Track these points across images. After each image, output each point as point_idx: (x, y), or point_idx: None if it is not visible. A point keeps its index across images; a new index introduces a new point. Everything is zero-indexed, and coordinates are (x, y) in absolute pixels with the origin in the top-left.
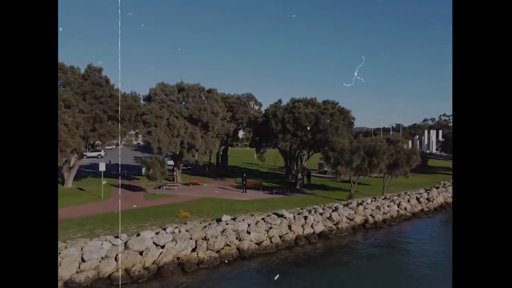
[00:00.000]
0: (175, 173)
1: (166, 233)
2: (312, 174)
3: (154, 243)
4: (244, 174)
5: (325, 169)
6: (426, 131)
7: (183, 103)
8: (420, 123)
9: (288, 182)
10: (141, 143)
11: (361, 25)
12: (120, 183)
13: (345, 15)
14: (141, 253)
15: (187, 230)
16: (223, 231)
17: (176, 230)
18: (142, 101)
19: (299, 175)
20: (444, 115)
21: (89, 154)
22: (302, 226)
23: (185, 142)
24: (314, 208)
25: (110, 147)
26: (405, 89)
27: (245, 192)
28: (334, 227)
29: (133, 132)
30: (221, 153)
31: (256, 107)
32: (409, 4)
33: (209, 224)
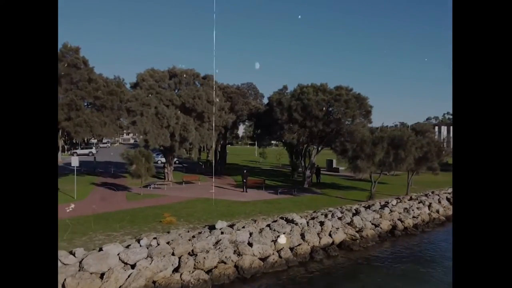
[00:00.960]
0: (166, 170)
1: (140, 246)
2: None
3: (121, 260)
4: (245, 171)
5: (336, 166)
6: (437, 128)
7: (176, 91)
8: (423, 122)
9: (294, 180)
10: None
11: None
12: (103, 181)
13: (351, 16)
14: (101, 275)
15: (168, 242)
16: (216, 242)
17: (154, 242)
18: (129, 89)
19: (307, 172)
20: (448, 113)
21: (79, 151)
22: (318, 234)
23: (177, 135)
24: (330, 211)
25: (105, 145)
26: (406, 88)
27: (246, 191)
28: (357, 235)
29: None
30: (219, 149)
31: (258, 100)
32: (415, 5)
33: (199, 233)
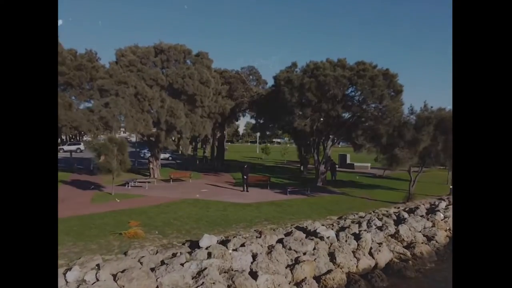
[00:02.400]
0: (151, 166)
1: (66, 284)
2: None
3: None
4: (245, 166)
5: (350, 161)
6: None
7: (162, 70)
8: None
9: (304, 178)
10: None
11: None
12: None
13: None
14: None
15: (116, 275)
16: (199, 273)
17: (91, 276)
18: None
19: (322, 168)
20: None
21: (66, 147)
22: (354, 253)
23: (162, 121)
24: (362, 217)
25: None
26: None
27: (247, 190)
28: (408, 253)
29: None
30: (216, 144)
31: (260, 86)
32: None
33: (173, 256)
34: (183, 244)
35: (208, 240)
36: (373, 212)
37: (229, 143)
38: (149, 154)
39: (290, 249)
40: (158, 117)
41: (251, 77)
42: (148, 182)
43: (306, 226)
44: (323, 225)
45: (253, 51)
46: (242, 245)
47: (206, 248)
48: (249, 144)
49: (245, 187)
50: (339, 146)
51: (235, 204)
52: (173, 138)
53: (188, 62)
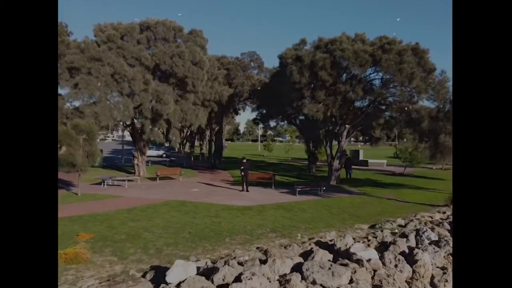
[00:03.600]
0: (136, 161)
1: None
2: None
3: None
4: (244, 160)
5: (362, 158)
6: None
7: (148, 49)
8: None
9: (313, 175)
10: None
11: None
12: None
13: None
14: None
15: None
16: None
17: None
18: None
19: (336, 164)
20: None
21: None
22: (409, 285)
23: (146, 107)
24: (401, 226)
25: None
26: None
27: (247, 190)
28: None
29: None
30: (213, 139)
31: (262, 74)
32: None
33: None
34: (144, 275)
35: (181, 270)
36: (415, 218)
37: (229, 142)
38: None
39: (314, 282)
40: (141, 103)
41: (252, 64)
42: (129, 180)
43: (333, 242)
44: (356, 239)
45: (255, 35)
46: (238, 278)
47: (178, 286)
48: (250, 142)
49: (244, 186)
50: (375, 127)
51: (231, 208)
52: (161, 130)
53: (178, 41)
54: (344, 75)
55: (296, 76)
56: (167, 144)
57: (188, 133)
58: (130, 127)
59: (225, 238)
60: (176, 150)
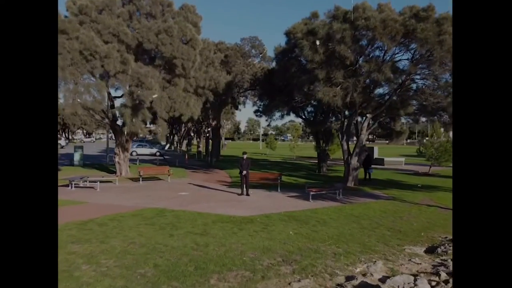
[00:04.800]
0: (117, 159)
1: None
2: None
3: None
4: (244, 157)
5: (377, 156)
6: None
7: (130, 27)
8: None
9: (325, 175)
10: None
11: None
12: None
13: None
14: None
15: None
16: None
17: None
18: None
19: (354, 162)
20: None
21: None
22: None
23: (125, 93)
24: None
25: (90, 139)
26: None
27: (247, 194)
28: None
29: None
30: (210, 135)
31: (264, 62)
32: None
33: None
34: None
35: None
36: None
37: (230, 141)
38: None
39: None
40: (118, 87)
41: (253, 50)
42: (105, 181)
43: (388, 284)
44: (417, 275)
45: (256, 17)
46: None
47: None
48: (251, 141)
49: (244, 189)
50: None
51: (225, 219)
52: (145, 122)
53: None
54: (368, 50)
55: (308, 53)
56: (163, 143)
57: (185, 130)
58: (109, 119)
59: (211, 278)
60: (173, 148)
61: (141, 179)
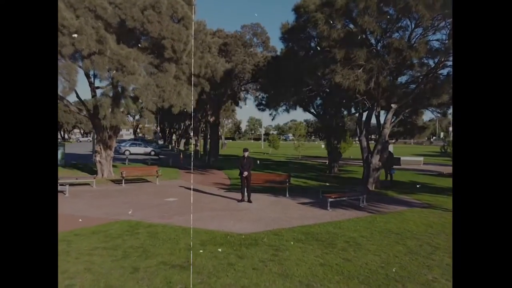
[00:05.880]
0: (98, 158)
1: None
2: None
3: None
4: (245, 154)
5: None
6: None
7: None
8: None
9: (337, 177)
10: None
11: None
12: None
13: None
14: None
15: None
16: None
17: None
18: None
19: (375, 161)
20: None
21: None
22: None
23: (103, 78)
24: None
25: (87, 138)
26: None
27: (248, 200)
28: None
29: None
30: (208, 133)
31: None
32: None
33: None
34: None
35: None
36: None
37: (230, 140)
38: (126, 147)
39: None
40: (94, 72)
41: (255, 39)
42: (78, 184)
43: None
44: None
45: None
46: None
47: None
48: (252, 141)
49: (244, 193)
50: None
51: (218, 239)
52: (130, 114)
53: None
54: (397, 25)
55: (324, 29)
56: (161, 142)
57: (184, 128)
58: (87, 111)
59: None
60: (170, 148)
61: (123, 181)
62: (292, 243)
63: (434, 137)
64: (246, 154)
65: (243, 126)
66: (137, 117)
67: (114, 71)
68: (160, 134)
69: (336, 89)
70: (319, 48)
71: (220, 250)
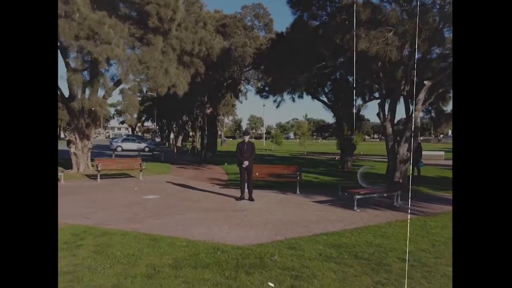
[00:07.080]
0: (73, 150)
1: None
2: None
3: None
4: (245, 139)
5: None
6: None
7: None
8: None
9: (352, 171)
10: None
11: None
12: None
13: None
14: None
15: None
16: None
17: None
18: None
19: (403, 151)
20: None
21: None
22: None
23: (72, 51)
24: None
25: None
26: None
27: (249, 197)
28: None
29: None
30: (206, 126)
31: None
32: None
33: None
34: None
35: None
36: None
37: (231, 139)
38: (118, 143)
39: None
40: (63, 44)
41: (257, 22)
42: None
43: None
44: None
45: None
46: None
47: None
48: (253, 140)
49: (245, 189)
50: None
51: (204, 255)
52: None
53: None
54: None
55: None
56: (158, 139)
57: (181, 123)
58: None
59: None
60: (167, 144)
61: (99, 176)
62: (317, 263)
63: (442, 135)
64: (247, 138)
65: (244, 125)
66: (135, 115)
67: (85, 39)
68: (158, 132)
69: (361, 59)
70: (338, 8)
71: (203, 277)
